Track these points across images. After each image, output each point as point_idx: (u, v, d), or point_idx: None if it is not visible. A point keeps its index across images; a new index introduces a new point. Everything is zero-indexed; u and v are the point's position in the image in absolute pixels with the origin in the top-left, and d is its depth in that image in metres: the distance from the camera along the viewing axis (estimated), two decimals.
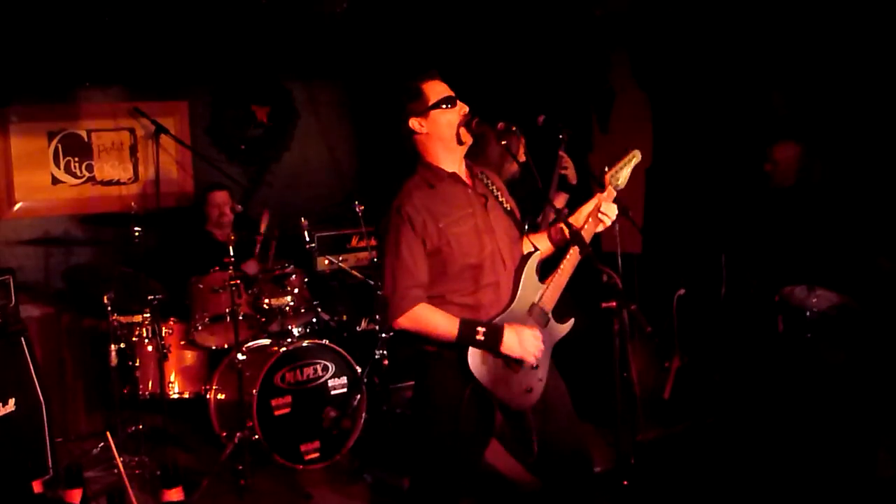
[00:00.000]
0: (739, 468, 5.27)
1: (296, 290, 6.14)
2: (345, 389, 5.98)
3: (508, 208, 3.85)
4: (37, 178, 7.14)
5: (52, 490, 4.73)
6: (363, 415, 5.97)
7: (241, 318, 5.85)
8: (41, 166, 7.15)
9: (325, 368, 5.95)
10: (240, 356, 5.71)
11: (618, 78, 7.57)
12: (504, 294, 3.68)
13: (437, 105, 3.66)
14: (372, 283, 6.36)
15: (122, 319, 6.09)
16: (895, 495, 4.74)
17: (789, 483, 4.94)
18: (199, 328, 6.03)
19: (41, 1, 6.49)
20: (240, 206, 6.61)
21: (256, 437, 5.62)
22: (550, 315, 3.73)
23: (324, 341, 6.02)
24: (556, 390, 3.83)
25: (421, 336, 3.63)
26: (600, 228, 3.82)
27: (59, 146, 7.21)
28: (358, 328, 6.67)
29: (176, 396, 6.16)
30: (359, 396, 5.95)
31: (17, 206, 7.08)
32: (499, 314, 3.62)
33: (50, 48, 6.86)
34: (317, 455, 5.83)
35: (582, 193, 5.53)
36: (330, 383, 5.96)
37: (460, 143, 3.70)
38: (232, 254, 5.75)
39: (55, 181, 7.22)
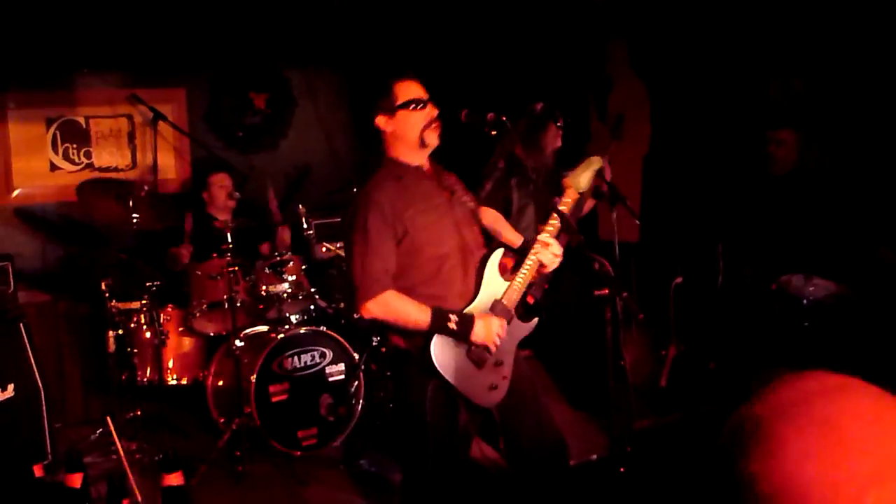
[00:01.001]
0: None
1: (293, 277, 6.15)
2: (342, 376, 5.99)
3: (472, 205, 3.90)
4: (35, 165, 7.13)
5: (52, 475, 4.75)
6: (360, 401, 5.98)
7: (238, 304, 5.87)
8: (39, 153, 7.15)
9: (323, 355, 5.96)
10: (237, 343, 5.73)
11: (616, 66, 7.58)
12: (467, 288, 3.71)
13: (404, 105, 3.72)
14: None
15: (120, 306, 6.11)
16: None
17: None
18: (197, 315, 6.04)
19: None
20: (238, 193, 6.61)
21: (254, 423, 5.64)
22: (514, 312, 3.74)
23: (321, 328, 6.03)
24: (524, 387, 3.84)
25: (388, 326, 3.66)
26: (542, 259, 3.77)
27: (58, 133, 7.20)
28: (355, 315, 6.66)
29: (174, 383, 6.18)
30: (356, 383, 5.97)
31: (15, 193, 7.08)
32: (463, 308, 3.64)
33: (48, 34, 6.85)
34: (314, 441, 5.85)
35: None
36: (327, 370, 5.97)
37: (423, 145, 3.74)
38: (230, 240, 5.76)
39: (53, 168, 7.22)
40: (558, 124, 5.68)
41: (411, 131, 3.71)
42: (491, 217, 4.09)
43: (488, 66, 7.35)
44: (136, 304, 6.12)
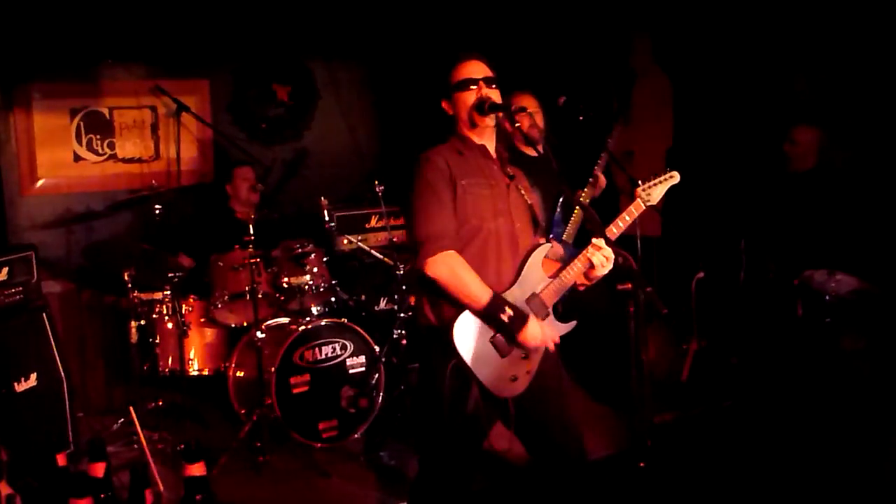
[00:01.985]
0: (756, 452, 5.27)
1: (315, 269, 6.15)
2: (363, 368, 6.00)
3: (529, 202, 3.86)
4: (59, 155, 7.15)
5: (75, 464, 4.78)
6: (381, 394, 5.99)
7: (260, 296, 5.88)
8: (63, 143, 7.17)
9: (344, 347, 5.97)
10: (259, 334, 5.74)
11: (640, 60, 7.55)
12: (503, 273, 3.68)
13: (456, 87, 3.75)
14: (391, 262, 6.36)
15: (143, 296, 6.13)
16: None
17: (805, 468, 4.94)
18: (219, 306, 6.06)
19: None
20: (261, 185, 6.62)
21: (275, 414, 5.66)
22: (550, 311, 3.73)
23: (342, 320, 6.03)
24: (551, 384, 3.82)
25: (429, 296, 3.65)
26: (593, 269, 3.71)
27: (82, 123, 7.22)
28: (376, 307, 6.68)
29: (195, 373, 6.20)
30: (377, 375, 5.97)
31: (39, 183, 7.11)
32: (501, 293, 3.61)
33: (73, 25, 6.87)
34: (334, 433, 5.85)
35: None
36: (348, 362, 5.97)
37: (473, 125, 3.75)
38: (252, 232, 5.77)
39: (77, 158, 7.24)
40: (580, 118, 5.66)
41: (463, 112, 3.74)
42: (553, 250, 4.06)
43: (513, 60, 7.33)
44: (158, 295, 6.14)
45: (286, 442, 5.73)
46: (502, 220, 3.70)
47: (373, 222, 7.22)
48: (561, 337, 3.84)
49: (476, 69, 3.77)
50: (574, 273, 3.69)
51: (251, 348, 5.85)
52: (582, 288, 3.79)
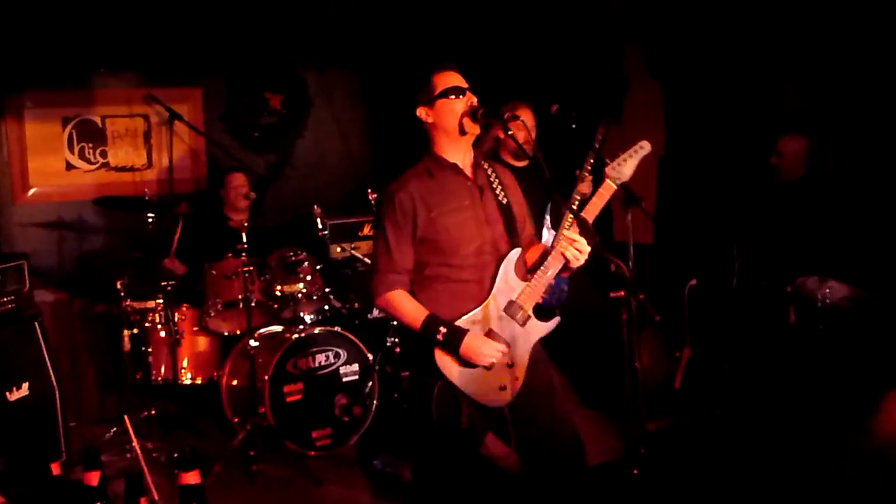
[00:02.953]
0: (748, 459, 5.28)
1: (308, 278, 6.15)
2: (356, 377, 5.99)
3: (505, 202, 3.84)
4: (51, 164, 7.16)
5: (67, 473, 4.77)
6: (374, 402, 5.99)
7: (253, 304, 5.88)
8: (55, 152, 7.17)
9: (337, 356, 5.96)
10: (252, 342, 5.74)
11: (632, 69, 7.56)
12: (486, 288, 3.70)
13: (442, 94, 3.72)
14: None
15: (136, 305, 6.12)
16: None
17: (797, 475, 4.95)
18: (212, 314, 6.06)
19: None
20: (253, 193, 6.62)
21: (268, 423, 5.65)
22: (531, 313, 3.73)
23: (336, 328, 6.03)
24: (542, 386, 3.83)
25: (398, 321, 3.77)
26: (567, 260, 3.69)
27: (74, 132, 7.23)
28: (370, 316, 6.67)
29: (188, 382, 6.19)
30: (370, 384, 5.97)
31: (31, 192, 7.11)
32: (475, 308, 3.66)
33: (65, 34, 6.87)
34: (328, 442, 5.85)
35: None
36: (342, 370, 5.97)
37: (462, 133, 3.73)
38: (245, 240, 5.77)
39: (69, 167, 7.25)
40: (573, 126, 5.66)
41: (451, 120, 3.71)
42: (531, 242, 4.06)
43: (505, 68, 7.35)
44: (151, 304, 6.13)
45: (280, 450, 5.73)
46: (480, 237, 3.73)
47: (366, 230, 7.21)
48: (554, 343, 3.85)
49: (459, 78, 3.76)
50: (549, 274, 3.69)
51: (244, 357, 5.85)
52: (565, 274, 3.79)
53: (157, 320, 6.14)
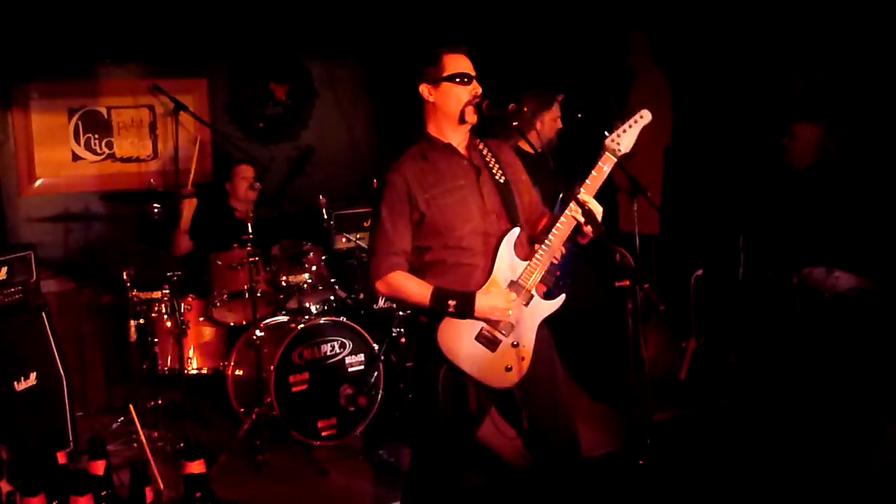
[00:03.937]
0: (754, 450, 5.28)
1: (313, 268, 6.15)
2: (362, 367, 5.99)
3: (503, 181, 3.81)
4: (57, 155, 7.17)
5: (74, 462, 4.78)
6: (380, 392, 5.99)
7: (259, 294, 5.89)
8: (61, 143, 7.18)
9: (343, 346, 5.97)
10: (258, 333, 5.75)
11: (638, 58, 7.54)
12: (487, 270, 3.69)
13: (450, 77, 3.71)
14: None
15: (142, 295, 6.13)
16: None
17: (803, 466, 4.94)
18: (218, 304, 6.06)
19: None
20: (259, 184, 6.62)
21: (274, 413, 5.66)
22: (534, 292, 3.71)
23: (341, 319, 6.03)
24: (545, 367, 3.81)
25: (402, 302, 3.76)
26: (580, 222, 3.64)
27: (80, 123, 7.23)
28: (375, 306, 6.66)
29: (194, 372, 6.20)
30: (375, 374, 5.97)
31: (37, 183, 7.12)
32: (478, 289, 3.64)
33: (70, 24, 6.88)
34: (333, 431, 5.85)
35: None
36: (347, 360, 5.98)
37: (462, 121, 3.74)
38: (250, 231, 5.77)
39: (75, 158, 7.26)
40: (578, 116, 5.66)
41: (453, 105, 3.71)
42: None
43: (510, 57, 7.33)
44: (157, 294, 6.14)
45: (285, 440, 5.73)
46: (479, 217, 3.71)
47: (371, 220, 7.21)
48: (559, 334, 3.85)
49: (468, 65, 3.75)
50: (554, 245, 3.65)
51: (250, 347, 5.86)
52: (584, 241, 3.72)
53: (163, 310, 6.14)
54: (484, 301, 3.58)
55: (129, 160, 7.42)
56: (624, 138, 3.67)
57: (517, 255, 3.71)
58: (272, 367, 5.66)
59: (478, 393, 3.65)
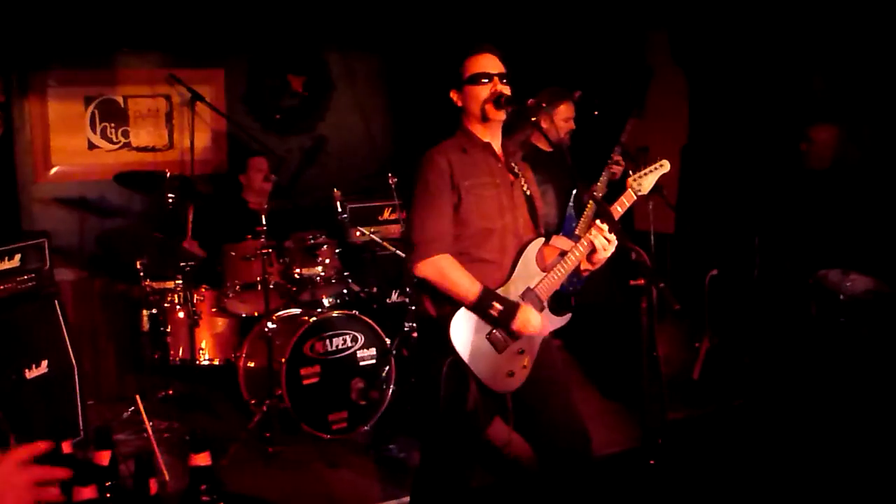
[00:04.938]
0: (766, 451, 5.25)
1: (327, 261, 6.15)
2: (373, 361, 5.99)
3: (529, 194, 3.89)
4: (73, 143, 7.17)
5: (82, 451, 4.79)
6: (391, 386, 5.98)
7: (271, 286, 5.89)
8: (78, 131, 7.18)
9: (355, 339, 5.96)
10: (270, 325, 5.74)
11: (656, 57, 7.51)
12: (503, 270, 3.71)
13: (469, 80, 3.75)
14: (403, 255, 6.35)
15: (155, 285, 6.15)
16: None
17: (816, 468, 4.91)
18: (231, 296, 6.07)
19: None
20: (274, 176, 6.61)
21: (285, 405, 5.65)
22: (546, 304, 3.74)
23: (354, 312, 6.03)
24: (552, 376, 3.83)
25: (429, 290, 3.67)
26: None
27: (96, 111, 7.23)
28: (388, 300, 6.66)
29: (206, 363, 6.20)
30: (387, 368, 5.96)
31: (53, 171, 7.12)
32: (496, 289, 3.64)
33: (89, 13, 6.87)
34: (344, 425, 5.85)
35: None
36: (359, 354, 5.96)
37: (485, 119, 3.76)
38: (264, 223, 5.77)
39: (91, 146, 7.25)
40: (595, 113, 5.65)
41: (475, 105, 3.74)
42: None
43: (529, 55, 7.30)
44: (170, 284, 6.16)
45: (296, 433, 5.73)
46: (508, 218, 3.74)
47: (386, 214, 7.20)
48: (572, 332, 3.84)
49: (489, 63, 3.77)
50: (572, 262, 3.72)
51: (262, 339, 5.85)
52: (585, 273, 3.84)
53: (176, 301, 6.15)
54: (523, 315, 3.59)
55: (144, 150, 7.42)
56: (644, 181, 3.88)
57: (537, 265, 3.74)
58: (284, 360, 5.66)
59: (477, 393, 3.63)
